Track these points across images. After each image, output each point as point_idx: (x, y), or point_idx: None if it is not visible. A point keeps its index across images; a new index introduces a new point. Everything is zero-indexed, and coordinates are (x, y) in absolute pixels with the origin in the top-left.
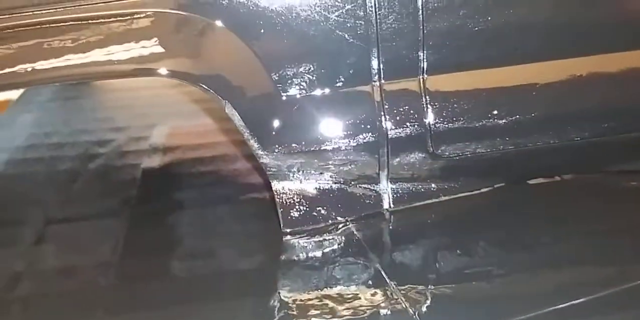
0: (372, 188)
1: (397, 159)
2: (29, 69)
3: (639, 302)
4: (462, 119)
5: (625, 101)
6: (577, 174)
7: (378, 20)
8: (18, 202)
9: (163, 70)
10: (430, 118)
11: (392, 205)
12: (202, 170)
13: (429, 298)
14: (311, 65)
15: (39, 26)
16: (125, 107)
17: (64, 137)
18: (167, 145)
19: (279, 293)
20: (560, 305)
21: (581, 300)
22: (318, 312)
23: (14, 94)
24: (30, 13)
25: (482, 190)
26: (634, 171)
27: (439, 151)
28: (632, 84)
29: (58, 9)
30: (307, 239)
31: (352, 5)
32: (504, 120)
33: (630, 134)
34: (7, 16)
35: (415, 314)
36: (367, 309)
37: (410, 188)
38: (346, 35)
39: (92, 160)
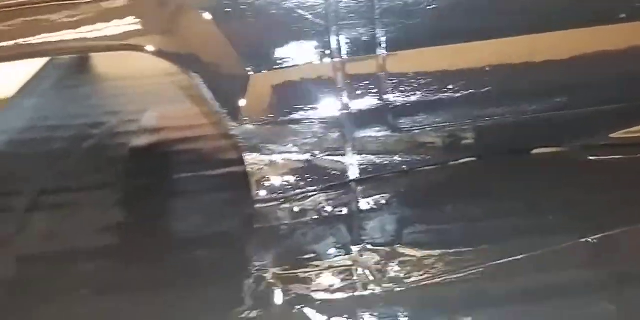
0: (338, 160)
1: (361, 133)
2: (29, 43)
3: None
4: (419, 93)
5: (576, 77)
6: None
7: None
8: (15, 176)
9: (148, 48)
10: (388, 93)
11: (357, 176)
12: (184, 149)
13: (390, 260)
14: (275, 43)
15: (37, 5)
16: (120, 94)
17: (61, 120)
18: (155, 127)
19: (253, 257)
20: (502, 260)
21: (521, 256)
22: (291, 273)
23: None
24: None
25: (446, 164)
26: (596, 146)
27: (399, 124)
28: (582, 61)
29: None
30: (278, 206)
31: None
32: (458, 95)
33: (584, 109)
34: None
35: (375, 277)
36: (334, 273)
37: (375, 160)
38: (307, 14)
39: (86, 140)
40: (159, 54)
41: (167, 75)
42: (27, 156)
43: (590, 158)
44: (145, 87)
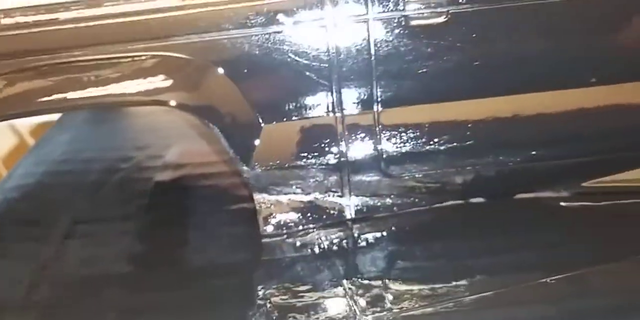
0: (336, 201)
1: (357, 177)
2: (62, 97)
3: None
4: (408, 145)
5: (551, 133)
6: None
7: (338, 64)
8: (51, 206)
9: (172, 102)
10: (382, 144)
11: (353, 216)
12: (203, 184)
13: (377, 292)
14: (285, 100)
15: (69, 64)
16: (147, 130)
17: (93, 154)
18: (178, 162)
19: (257, 286)
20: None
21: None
22: (289, 303)
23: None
24: (64, 54)
25: (433, 206)
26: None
27: (390, 171)
28: (556, 118)
29: (84, 52)
30: (282, 241)
31: (318, 52)
32: (443, 147)
33: (558, 161)
34: (47, 56)
35: (363, 307)
36: (328, 303)
37: (369, 202)
38: (313, 76)
39: (115, 173)
40: (181, 107)
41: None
42: (62, 187)
43: (562, 204)
44: (171, 123)
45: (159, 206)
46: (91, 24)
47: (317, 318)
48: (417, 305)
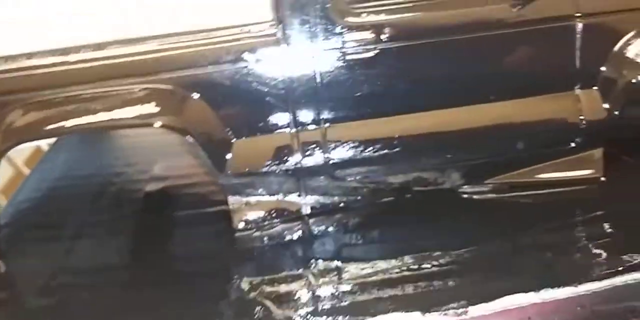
0: (295, 200)
1: (311, 181)
2: (69, 124)
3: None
4: (351, 153)
5: (459, 141)
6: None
7: (291, 91)
8: (59, 213)
9: (156, 124)
10: (329, 153)
11: (309, 212)
12: (186, 192)
13: (332, 270)
14: (250, 120)
15: (76, 97)
16: (134, 148)
17: (89, 171)
18: (163, 175)
19: (234, 270)
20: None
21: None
22: (259, 283)
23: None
24: (74, 88)
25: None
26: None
27: (337, 175)
28: (461, 129)
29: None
30: (252, 234)
31: (275, 82)
32: (377, 154)
33: (466, 162)
34: (57, 90)
35: (321, 281)
36: (294, 281)
37: (322, 200)
38: (272, 100)
39: (110, 186)
40: (167, 127)
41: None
42: (66, 198)
43: (475, 197)
44: (154, 142)
45: (149, 211)
46: (95, 64)
47: (285, 293)
48: (361, 277)
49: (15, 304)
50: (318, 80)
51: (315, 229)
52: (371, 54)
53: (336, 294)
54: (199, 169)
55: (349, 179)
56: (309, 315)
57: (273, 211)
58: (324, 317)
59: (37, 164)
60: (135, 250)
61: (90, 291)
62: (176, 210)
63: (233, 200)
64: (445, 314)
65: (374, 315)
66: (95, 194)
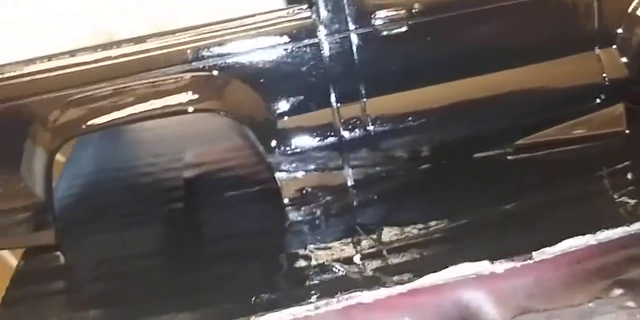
0: (339, 173)
1: (353, 153)
2: (109, 118)
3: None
4: (390, 125)
5: (490, 108)
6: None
7: (330, 69)
8: (101, 205)
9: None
10: (369, 126)
11: (353, 183)
12: (226, 175)
13: (375, 236)
14: (293, 100)
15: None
16: (157, 141)
17: (120, 163)
18: (198, 162)
19: (284, 242)
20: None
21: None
22: (312, 251)
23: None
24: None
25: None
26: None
27: (378, 146)
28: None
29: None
30: (300, 208)
31: (314, 62)
32: (415, 124)
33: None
34: (96, 86)
35: (383, 251)
36: (347, 256)
37: (363, 171)
38: (313, 79)
39: (146, 176)
40: (209, 111)
41: (191, 122)
42: (104, 190)
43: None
44: (176, 134)
45: (192, 195)
46: (136, 57)
47: (336, 259)
48: (416, 236)
49: (74, 291)
50: (355, 57)
51: (358, 200)
52: (403, 29)
53: (398, 254)
54: (231, 154)
55: (389, 150)
56: (377, 272)
57: (319, 185)
58: (392, 274)
59: (67, 161)
60: (183, 234)
61: (143, 276)
62: (220, 193)
63: (281, 177)
64: (512, 260)
65: (442, 267)
66: (131, 184)
